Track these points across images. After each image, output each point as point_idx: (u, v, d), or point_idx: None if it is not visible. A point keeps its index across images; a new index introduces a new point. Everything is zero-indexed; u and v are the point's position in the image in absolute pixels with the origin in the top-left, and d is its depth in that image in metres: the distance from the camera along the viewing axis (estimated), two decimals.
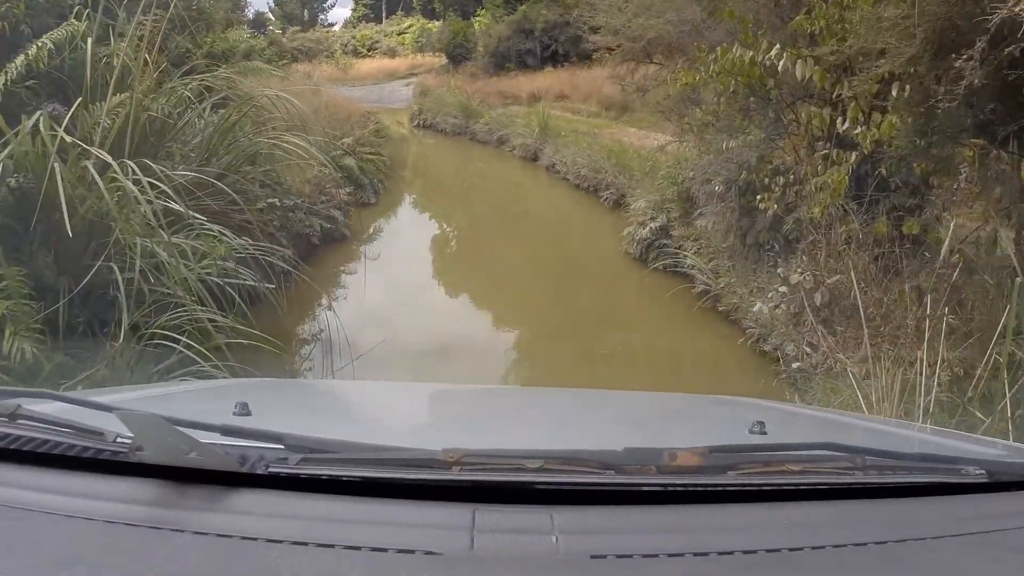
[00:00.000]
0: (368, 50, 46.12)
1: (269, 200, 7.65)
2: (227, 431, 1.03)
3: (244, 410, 1.29)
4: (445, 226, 14.03)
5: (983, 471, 1.06)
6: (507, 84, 26.63)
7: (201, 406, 1.76)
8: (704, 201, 8.44)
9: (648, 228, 9.39)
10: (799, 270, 6.52)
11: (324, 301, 7.41)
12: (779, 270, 6.85)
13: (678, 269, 8.70)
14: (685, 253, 8.69)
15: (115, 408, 1.02)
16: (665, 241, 9.30)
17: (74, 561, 0.81)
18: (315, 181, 9.90)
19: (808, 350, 6.10)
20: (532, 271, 10.13)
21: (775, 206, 6.72)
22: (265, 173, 7.89)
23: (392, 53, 44.80)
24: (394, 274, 9.60)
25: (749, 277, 7.70)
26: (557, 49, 27.94)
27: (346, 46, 46.42)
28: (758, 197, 6.90)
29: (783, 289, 6.54)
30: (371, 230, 11.72)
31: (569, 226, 12.92)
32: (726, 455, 1.04)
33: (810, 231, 6.59)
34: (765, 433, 1.34)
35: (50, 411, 1.09)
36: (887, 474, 1.06)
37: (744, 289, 7.56)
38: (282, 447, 0.99)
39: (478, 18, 34.33)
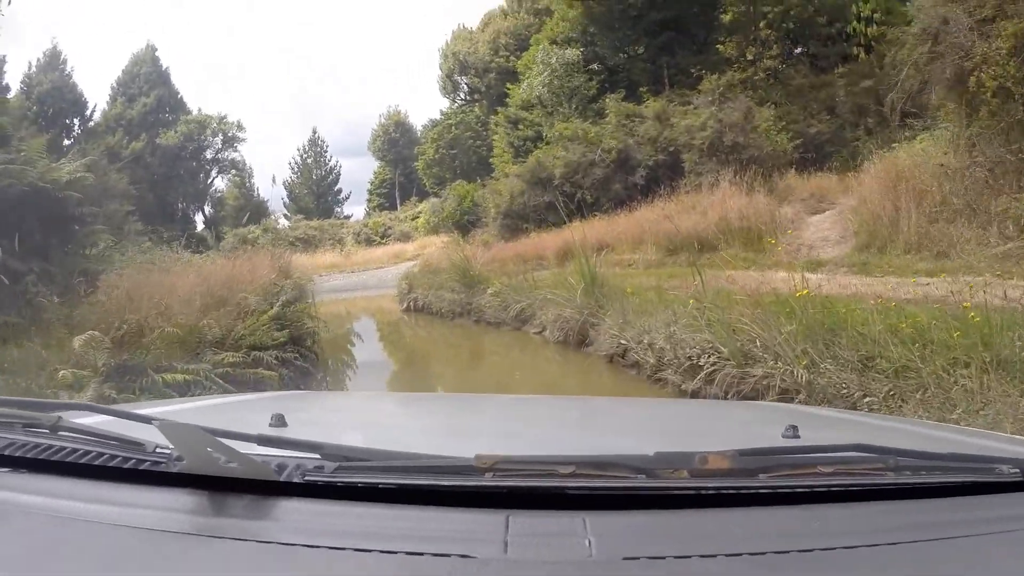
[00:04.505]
0: (382, 237, 40.46)
1: None
2: (264, 441, 0.98)
3: (280, 421, 1.26)
4: None
5: (1017, 470, 0.97)
6: (526, 245, 19.53)
7: (238, 417, 1.65)
8: None
9: None
10: None
11: None
12: None
13: None
14: None
15: (155, 419, 0.98)
16: None
17: (116, 567, 0.78)
18: None
19: None
20: None
21: None
22: None
23: (406, 237, 39.00)
24: None
25: None
26: (584, 198, 20.56)
27: (358, 235, 40.98)
28: None
29: None
30: None
31: None
32: (757, 458, 0.97)
33: None
34: (798, 437, 1.24)
35: (91, 423, 1.09)
36: (920, 474, 0.97)
37: None
38: (318, 456, 0.94)
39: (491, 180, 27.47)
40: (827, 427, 1.70)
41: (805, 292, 5.31)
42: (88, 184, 12.35)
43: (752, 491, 0.91)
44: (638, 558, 0.78)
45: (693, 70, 21.45)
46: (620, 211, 18.79)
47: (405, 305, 15.80)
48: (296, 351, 7.72)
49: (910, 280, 7.91)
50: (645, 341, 6.91)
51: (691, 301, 6.48)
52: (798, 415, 1.83)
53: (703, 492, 0.90)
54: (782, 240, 13.08)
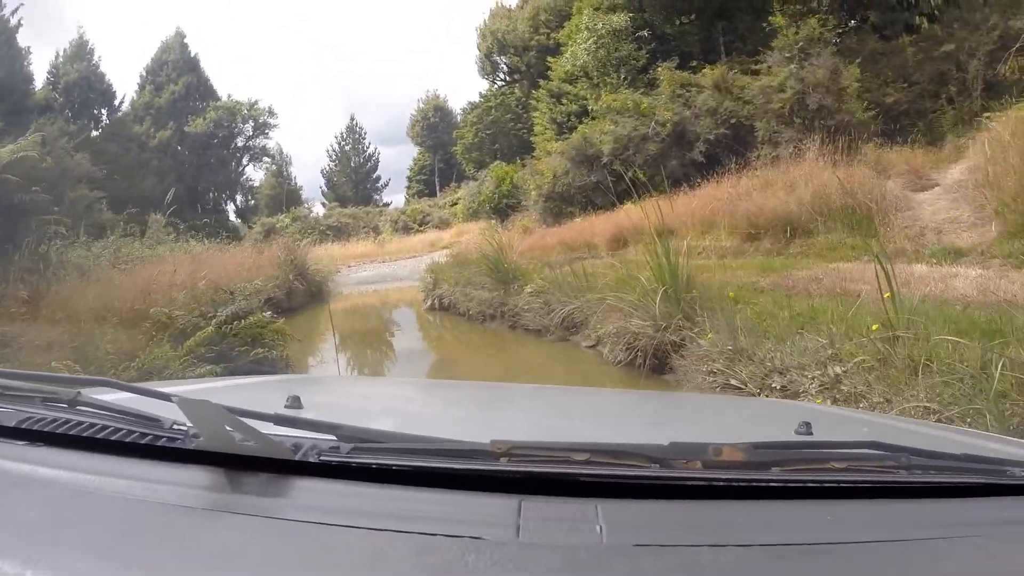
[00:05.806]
0: (420, 224, 38.06)
1: None
2: (281, 420, 0.95)
3: (296, 403, 1.23)
4: None
5: None
6: (572, 231, 16.78)
7: (255, 398, 1.59)
8: None
9: None
10: None
11: None
12: None
13: None
14: None
15: (172, 395, 0.94)
16: None
17: (131, 538, 0.76)
18: None
19: None
20: None
21: None
22: None
23: (445, 224, 36.61)
24: None
25: None
26: (636, 176, 17.64)
27: (396, 222, 38.65)
28: None
29: None
30: None
31: None
32: (771, 451, 0.93)
33: None
34: (811, 434, 1.19)
35: (109, 399, 1.06)
36: (931, 474, 0.94)
37: None
38: (333, 437, 0.91)
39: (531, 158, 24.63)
40: (839, 425, 1.64)
41: None
42: (45, 167, 10.08)
43: (765, 484, 0.87)
44: (649, 545, 0.75)
45: (765, 25, 18.16)
46: (678, 191, 15.90)
47: (429, 303, 13.12)
48: None
49: None
50: (777, 386, 4.10)
51: (875, 327, 3.62)
52: (811, 412, 1.74)
53: (716, 483, 0.86)
54: (895, 222, 10.17)
